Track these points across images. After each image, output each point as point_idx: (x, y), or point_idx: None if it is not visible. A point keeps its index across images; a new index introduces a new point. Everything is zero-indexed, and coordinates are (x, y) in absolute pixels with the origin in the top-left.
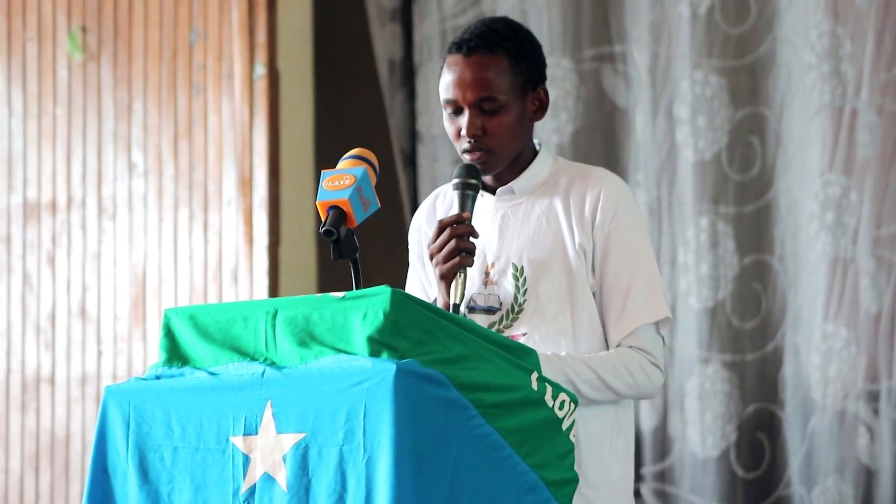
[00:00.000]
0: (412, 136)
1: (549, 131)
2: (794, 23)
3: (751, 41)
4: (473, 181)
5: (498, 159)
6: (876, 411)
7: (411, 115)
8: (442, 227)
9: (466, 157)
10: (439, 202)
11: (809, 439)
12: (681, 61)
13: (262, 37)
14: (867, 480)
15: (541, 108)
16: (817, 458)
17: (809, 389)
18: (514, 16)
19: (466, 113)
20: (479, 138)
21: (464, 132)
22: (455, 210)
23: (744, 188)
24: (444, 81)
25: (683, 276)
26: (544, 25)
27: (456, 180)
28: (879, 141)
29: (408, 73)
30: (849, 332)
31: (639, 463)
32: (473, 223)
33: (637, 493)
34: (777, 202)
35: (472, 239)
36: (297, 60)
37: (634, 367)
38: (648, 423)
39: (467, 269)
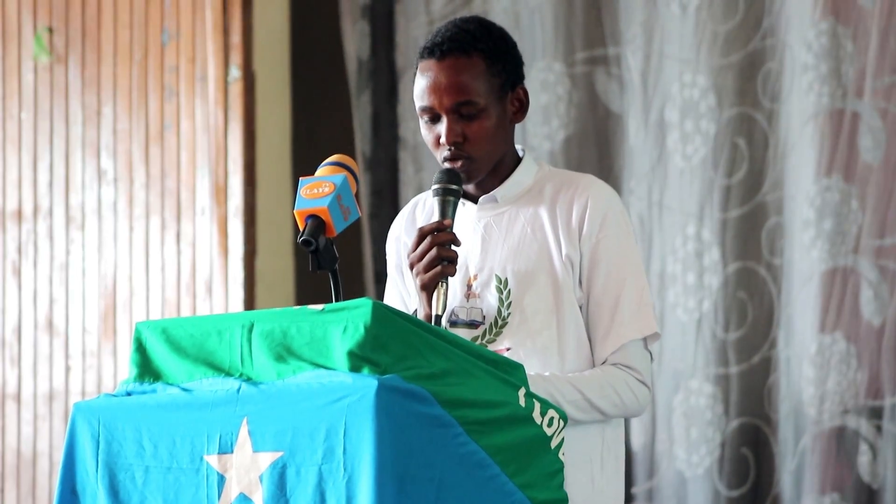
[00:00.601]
0: (374, 139)
1: (540, 137)
2: (789, 22)
3: (740, 40)
4: (454, 187)
5: (481, 165)
6: (879, 428)
7: (374, 118)
8: (422, 236)
9: (447, 166)
10: (419, 210)
11: (801, 455)
12: (672, 63)
13: (236, 38)
14: (869, 500)
15: (521, 108)
16: (810, 475)
17: (802, 404)
18: (506, 18)
19: (444, 120)
20: (459, 145)
21: (443, 140)
22: (435, 217)
23: (732, 193)
24: (419, 88)
25: (672, 286)
26: (536, 28)
27: (436, 186)
28: (884, 146)
29: (372, 73)
30: (849, 344)
31: (630, 482)
32: (455, 233)
33: None
34: (765, 208)
35: (454, 248)
36: (273, 63)
37: (621, 385)
38: (638, 441)
39: (449, 278)
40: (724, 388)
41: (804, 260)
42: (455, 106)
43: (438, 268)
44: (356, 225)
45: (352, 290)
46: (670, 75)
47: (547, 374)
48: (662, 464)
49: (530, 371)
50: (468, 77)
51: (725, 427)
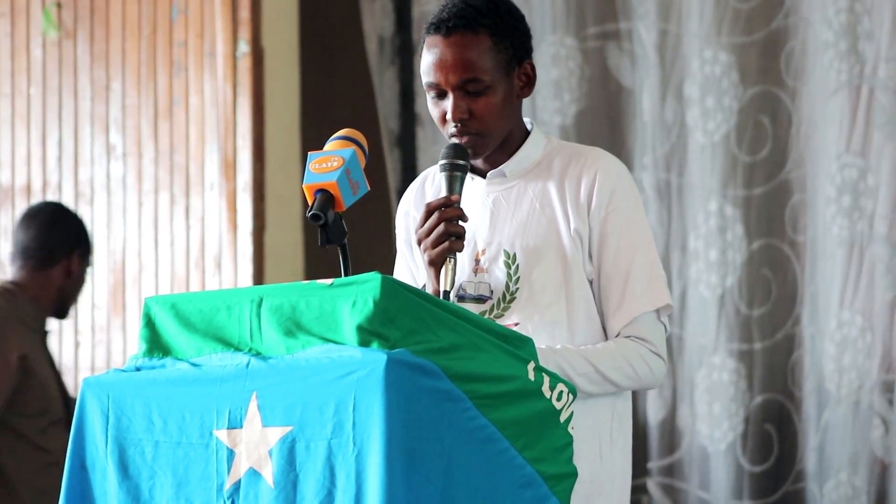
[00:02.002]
0: (403, 116)
1: (552, 112)
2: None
3: (762, 18)
4: (461, 162)
5: (488, 141)
6: (891, 402)
7: (403, 95)
8: (430, 211)
9: (454, 141)
10: (428, 185)
11: (823, 432)
12: (691, 39)
13: (245, 13)
14: (882, 474)
15: (528, 83)
16: (831, 452)
17: (824, 380)
18: None
19: (450, 96)
20: (465, 122)
21: (449, 116)
22: (443, 193)
23: (756, 170)
24: (425, 64)
25: (694, 262)
26: (547, 2)
27: (443, 161)
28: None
29: (399, 50)
30: (864, 320)
31: (645, 457)
32: (463, 208)
33: (644, 489)
34: (789, 185)
35: (462, 223)
36: (282, 38)
37: (634, 357)
38: (656, 416)
39: (457, 254)
40: (747, 364)
41: (826, 237)
42: (461, 83)
43: (446, 243)
44: (386, 200)
45: (378, 266)
46: (689, 52)
47: (558, 346)
48: (685, 439)
49: (540, 345)
50: (474, 54)
51: (749, 403)
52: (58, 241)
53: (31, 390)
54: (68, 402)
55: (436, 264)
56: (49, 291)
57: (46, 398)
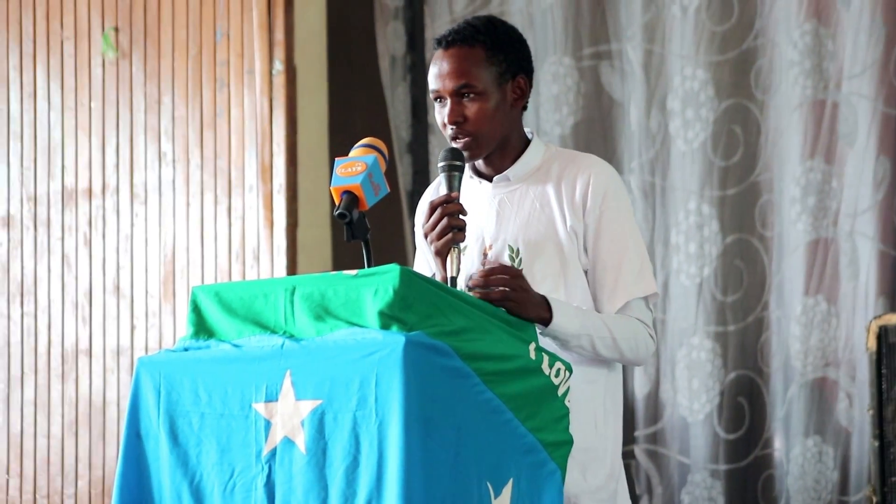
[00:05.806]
0: (413, 126)
1: (552, 123)
2: (777, 23)
3: (735, 39)
4: (458, 162)
5: (481, 143)
6: (853, 378)
7: (413, 107)
8: (433, 208)
9: (453, 144)
10: (443, 187)
11: (789, 403)
12: (673, 58)
13: (280, 35)
14: (846, 440)
15: (521, 96)
16: (796, 421)
17: (790, 358)
18: (521, 18)
19: (448, 102)
20: (460, 125)
21: (446, 120)
22: (444, 191)
23: (728, 174)
24: (430, 74)
25: (675, 255)
26: (548, 26)
27: (442, 163)
28: (857, 132)
29: (409, 67)
30: (829, 306)
31: (633, 426)
32: (472, 208)
33: (631, 455)
34: (758, 186)
35: (462, 217)
36: (312, 57)
37: (641, 334)
38: (642, 390)
39: (467, 247)
40: (722, 343)
41: (791, 232)
42: (456, 88)
43: (449, 235)
44: (396, 201)
45: (392, 257)
46: (672, 69)
47: (584, 308)
48: (667, 410)
49: (569, 304)
50: (468, 64)
51: (724, 378)
52: None
53: None
54: None
55: (442, 254)
56: None
57: None
